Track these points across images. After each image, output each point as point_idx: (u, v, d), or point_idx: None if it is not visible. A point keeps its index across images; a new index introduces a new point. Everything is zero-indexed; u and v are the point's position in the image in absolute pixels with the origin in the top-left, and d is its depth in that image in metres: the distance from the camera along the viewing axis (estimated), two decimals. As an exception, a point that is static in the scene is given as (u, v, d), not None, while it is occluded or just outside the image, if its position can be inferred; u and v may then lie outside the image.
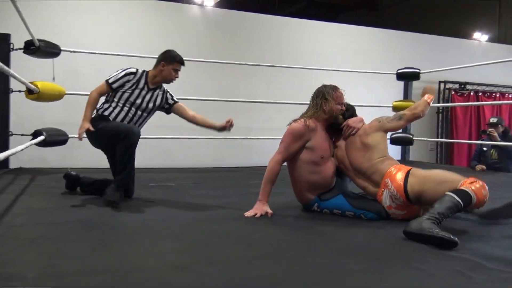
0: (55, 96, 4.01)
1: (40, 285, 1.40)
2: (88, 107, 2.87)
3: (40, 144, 3.73)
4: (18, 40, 4.08)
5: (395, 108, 5.45)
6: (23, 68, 4.16)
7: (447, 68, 5.75)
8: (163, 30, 5.43)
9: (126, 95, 2.89)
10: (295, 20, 6.26)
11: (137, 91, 2.91)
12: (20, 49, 4.01)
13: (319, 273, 1.60)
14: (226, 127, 2.99)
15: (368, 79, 6.02)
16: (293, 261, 1.73)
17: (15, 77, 3.04)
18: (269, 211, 2.48)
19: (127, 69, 2.96)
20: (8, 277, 1.45)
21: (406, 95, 5.76)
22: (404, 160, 5.96)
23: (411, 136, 5.46)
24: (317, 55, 6.05)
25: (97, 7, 5.14)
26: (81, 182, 3.09)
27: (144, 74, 2.98)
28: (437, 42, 6.90)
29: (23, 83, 3.38)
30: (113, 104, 2.89)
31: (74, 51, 4.32)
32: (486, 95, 7.09)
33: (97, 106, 2.94)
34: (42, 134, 3.78)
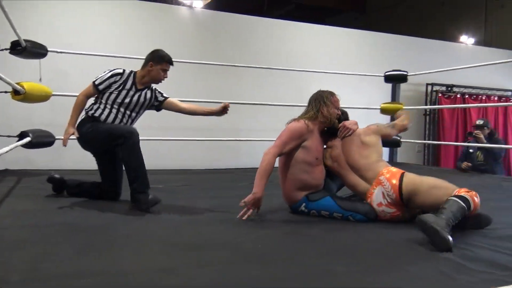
0: (42, 97, 3.97)
1: (24, 289, 1.39)
2: (74, 111, 2.84)
3: (26, 145, 3.69)
4: (4, 40, 4.02)
5: (383, 110, 5.50)
6: (9, 69, 4.12)
7: (434, 70, 5.81)
8: (151, 31, 5.41)
9: (113, 96, 2.86)
10: (284, 22, 6.28)
11: (124, 92, 2.88)
12: (6, 49, 3.95)
13: (306, 275, 1.61)
14: (223, 111, 3.00)
15: (356, 81, 6.06)
16: (280, 264, 1.73)
17: (1, 78, 3.00)
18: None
19: (114, 70, 2.92)
20: (-8, 281, 1.43)
21: (394, 97, 5.81)
22: (391, 161, 6.00)
23: (399, 138, 5.51)
24: (306, 57, 6.07)
25: (84, 8, 5.10)
26: (67, 185, 3.05)
27: (132, 75, 2.94)
28: (424, 45, 6.97)
29: (9, 84, 3.34)
30: (102, 106, 2.86)
31: (61, 52, 4.28)
32: (472, 98, 7.17)
33: (85, 107, 2.91)
34: (28, 136, 3.74)
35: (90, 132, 2.78)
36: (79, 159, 3.69)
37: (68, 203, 2.80)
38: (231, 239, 2.10)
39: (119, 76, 2.89)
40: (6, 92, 3.93)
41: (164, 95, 3.08)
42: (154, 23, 5.46)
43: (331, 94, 2.69)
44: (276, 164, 2.57)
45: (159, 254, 1.83)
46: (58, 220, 2.36)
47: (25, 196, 3.08)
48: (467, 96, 7.13)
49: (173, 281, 1.51)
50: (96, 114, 2.83)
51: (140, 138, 2.70)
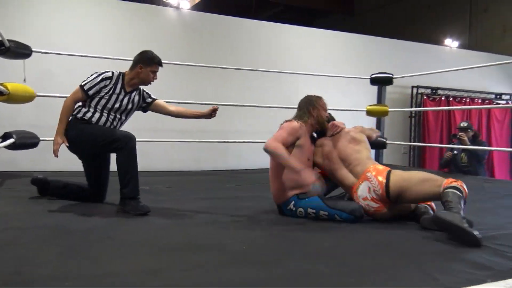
0: (26, 98, 3.92)
1: (6, 293, 1.37)
2: (63, 117, 2.73)
3: (9, 147, 3.63)
4: (-13, 40, 3.97)
5: (369, 112, 5.54)
6: (-7, 69, 4.07)
7: (419, 73, 5.88)
8: (138, 32, 5.37)
9: (103, 101, 2.78)
10: (272, 24, 6.30)
11: (114, 96, 2.81)
12: (-11, 49, 3.90)
13: (290, 277, 1.62)
14: (212, 114, 2.99)
15: (343, 83, 6.10)
16: (265, 266, 1.74)
17: (-17, 79, 2.95)
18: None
19: (103, 73, 2.82)
20: (-27, 285, 1.41)
21: (380, 100, 5.86)
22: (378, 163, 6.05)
23: (385, 140, 5.56)
24: (293, 59, 6.10)
25: (70, 8, 5.05)
26: (52, 186, 3.00)
27: (121, 77, 2.87)
28: (410, 48, 7.05)
29: (-8, 84, 3.29)
30: (91, 109, 2.78)
31: (45, 52, 4.22)
32: (456, 100, 7.28)
33: (78, 109, 2.82)
34: (12, 137, 3.68)
35: (81, 135, 2.72)
36: (64, 161, 3.64)
37: (53, 205, 2.77)
38: (217, 241, 2.10)
39: (108, 80, 2.80)
40: (-11, 92, 3.88)
41: (152, 96, 3.06)
42: (140, 24, 5.43)
43: (319, 98, 2.84)
44: (265, 166, 2.58)
45: (144, 256, 1.83)
46: (42, 223, 2.33)
47: (9, 198, 3.04)
48: (451, 99, 7.23)
49: (157, 284, 1.51)
50: (86, 117, 2.77)
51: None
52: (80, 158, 2.92)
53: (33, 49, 4.04)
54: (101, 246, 1.96)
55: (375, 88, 5.75)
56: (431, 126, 7.11)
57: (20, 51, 3.92)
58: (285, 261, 1.80)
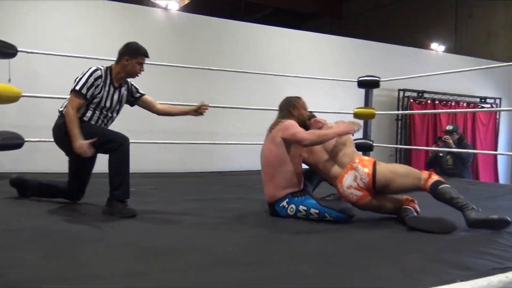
0: (11, 98, 3.87)
1: (-13, 295, 1.36)
2: (73, 126, 2.60)
3: (-6, 147, 3.60)
4: (-29, 39, 3.92)
5: (356, 115, 5.58)
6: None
7: (406, 77, 5.95)
8: (126, 33, 5.34)
9: (96, 100, 2.73)
10: (260, 26, 6.31)
11: (105, 94, 2.77)
12: (-26, 49, 3.85)
13: (275, 278, 1.63)
14: (199, 111, 2.95)
15: (330, 86, 6.14)
16: (249, 267, 1.75)
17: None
18: None
19: (93, 72, 2.73)
20: (-47, 287, 1.40)
21: (367, 103, 5.91)
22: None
23: (371, 142, 5.61)
24: (282, 61, 6.12)
25: (56, 8, 5.00)
26: (30, 185, 2.96)
27: (109, 72, 2.81)
28: (397, 52, 7.12)
29: (-24, 84, 3.25)
30: (82, 108, 2.72)
31: (31, 52, 4.18)
32: (442, 104, 7.37)
33: (62, 108, 2.76)
34: (-4, 138, 3.64)
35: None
36: (48, 162, 3.63)
37: (36, 207, 2.74)
38: (203, 242, 2.10)
39: (100, 79, 2.74)
40: (-27, 92, 3.83)
41: (140, 91, 3.01)
42: (128, 25, 5.41)
43: (298, 98, 2.91)
44: (257, 168, 2.62)
45: (128, 258, 1.82)
46: (25, 225, 2.31)
47: (-8, 200, 3.00)
48: (437, 102, 7.32)
49: (141, 286, 1.50)
50: (77, 115, 2.70)
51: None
52: (67, 154, 2.87)
53: (18, 49, 4.00)
54: (84, 248, 1.95)
55: (362, 91, 5.80)
56: (417, 129, 7.19)
57: (5, 50, 3.88)
58: (269, 263, 1.81)
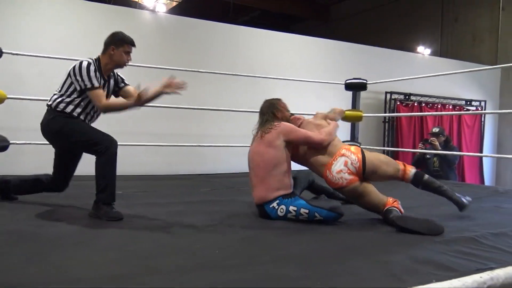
0: (-5, 101, 3.82)
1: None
2: (120, 105, 2.73)
3: (-23, 150, 3.54)
4: (-46, 40, 3.86)
5: (344, 117, 5.61)
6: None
7: (393, 79, 6.00)
8: (113, 35, 5.31)
9: (85, 95, 2.69)
10: (248, 29, 6.32)
11: None
12: (-43, 50, 3.79)
13: (259, 280, 1.63)
14: (170, 86, 2.70)
15: (318, 88, 6.17)
16: (235, 270, 1.75)
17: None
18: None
19: (88, 65, 2.68)
20: None
21: (354, 105, 5.95)
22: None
23: (359, 145, 5.65)
24: (270, 64, 6.13)
25: (42, 9, 4.95)
26: (13, 184, 2.93)
27: (98, 65, 2.76)
28: (384, 54, 7.18)
29: (-42, 86, 3.20)
30: (76, 102, 2.69)
31: (16, 54, 4.13)
32: (428, 106, 7.45)
33: (58, 101, 2.71)
34: (-20, 140, 3.59)
35: (64, 129, 2.66)
36: (34, 164, 3.58)
37: (20, 210, 2.71)
38: (189, 245, 2.09)
39: (97, 72, 2.70)
40: (-44, 94, 3.77)
41: (125, 81, 2.95)
42: (115, 27, 5.26)
43: (279, 100, 2.98)
44: (246, 170, 2.65)
45: (112, 261, 1.80)
46: (10, 228, 2.28)
47: (-26, 203, 2.95)
48: (423, 105, 7.40)
49: (125, 289, 1.49)
50: (68, 110, 2.69)
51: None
52: (54, 147, 2.85)
53: (3, 50, 3.95)
54: (69, 251, 1.93)
55: (349, 94, 5.84)
56: (404, 131, 7.26)
57: (-11, 52, 3.83)
58: (254, 265, 1.81)
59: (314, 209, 2.59)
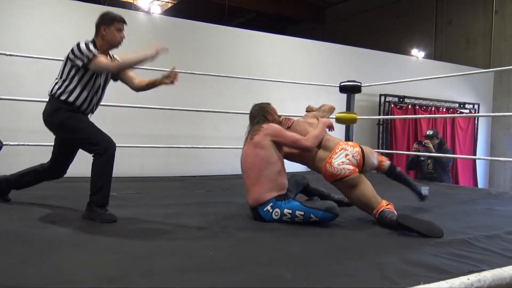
0: (-11, 101, 3.81)
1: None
2: (127, 61, 2.75)
3: (-29, 151, 3.52)
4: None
5: (338, 120, 5.63)
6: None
7: (387, 82, 6.04)
8: (108, 36, 5.30)
9: (86, 78, 2.67)
10: (244, 31, 6.33)
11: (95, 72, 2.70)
12: (-49, 51, 3.78)
13: (254, 282, 1.63)
14: (170, 78, 2.93)
15: (313, 91, 6.19)
16: (229, 271, 1.75)
17: None
18: None
19: (86, 42, 2.67)
20: None
21: (349, 107, 5.98)
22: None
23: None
24: (265, 66, 6.15)
25: (37, 10, 4.94)
26: (11, 182, 2.92)
27: (94, 45, 2.72)
28: (378, 57, 7.22)
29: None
30: (78, 89, 2.66)
31: (10, 55, 4.12)
32: (422, 109, 7.50)
33: (58, 86, 2.68)
34: (-26, 141, 3.57)
35: (66, 123, 2.64)
36: (29, 165, 3.56)
37: (15, 211, 2.70)
38: (183, 247, 2.10)
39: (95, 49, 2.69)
40: (-50, 95, 3.75)
41: None
42: (111, 28, 5.36)
43: (268, 104, 3.03)
44: (236, 172, 2.62)
45: (107, 263, 1.81)
46: (5, 229, 2.27)
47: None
48: (417, 107, 7.44)
49: (120, 290, 1.50)
50: (71, 99, 2.65)
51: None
52: (54, 134, 2.84)
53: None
54: (64, 253, 1.93)
55: (344, 96, 5.87)
56: (398, 134, 7.30)
57: (-17, 53, 3.81)
58: (249, 267, 1.82)
59: (310, 210, 2.59)
